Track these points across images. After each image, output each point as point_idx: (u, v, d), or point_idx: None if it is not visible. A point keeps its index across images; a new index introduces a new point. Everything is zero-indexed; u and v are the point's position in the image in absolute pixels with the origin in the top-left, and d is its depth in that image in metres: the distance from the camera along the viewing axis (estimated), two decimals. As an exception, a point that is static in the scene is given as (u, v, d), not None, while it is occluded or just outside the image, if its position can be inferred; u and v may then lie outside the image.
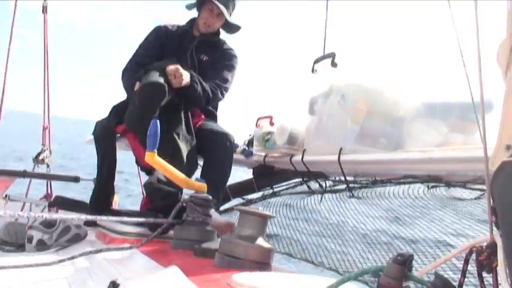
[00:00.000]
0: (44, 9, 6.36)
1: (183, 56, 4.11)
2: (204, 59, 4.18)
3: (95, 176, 4.21)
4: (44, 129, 6.09)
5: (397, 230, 3.72)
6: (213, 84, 4.04)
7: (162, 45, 4.19)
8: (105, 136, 3.98)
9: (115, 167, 4.09)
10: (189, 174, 3.67)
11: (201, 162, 3.98)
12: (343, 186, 3.95)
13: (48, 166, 5.61)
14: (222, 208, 4.75)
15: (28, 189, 5.75)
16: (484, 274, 1.45)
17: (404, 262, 1.54)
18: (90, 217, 3.30)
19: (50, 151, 5.77)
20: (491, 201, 1.36)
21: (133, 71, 3.99)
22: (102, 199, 4.04)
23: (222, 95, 4.12)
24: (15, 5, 5.71)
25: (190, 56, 4.14)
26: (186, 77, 3.73)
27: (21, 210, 4.63)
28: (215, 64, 4.19)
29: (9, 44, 5.73)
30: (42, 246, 3.40)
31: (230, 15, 4.13)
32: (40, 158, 5.56)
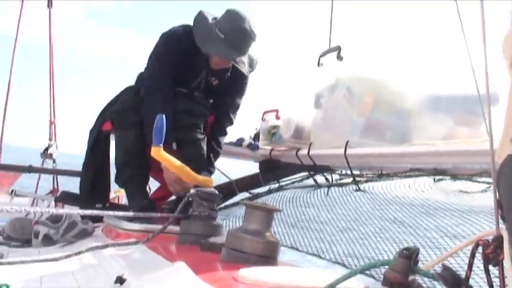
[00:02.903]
0: (50, 3, 6.38)
1: (193, 79, 4.04)
2: (214, 82, 4.08)
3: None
4: (51, 123, 6.11)
5: (403, 224, 3.71)
6: (225, 117, 4.13)
7: (174, 62, 3.98)
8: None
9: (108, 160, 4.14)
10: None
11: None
12: (350, 180, 3.94)
13: (54, 161, 5.63)
14: (228, 202, 4.76)
15: (38, 184, 5.77)
16: (490, 267, 1.45)
17: (410, 256, 1.54)
18: (96, 212, 3.31)
19: (57, 146, 5.79)
20: (497, 194, 1.35)
21: (169, 99, 3.90)
22: (94, 192, 4.08)
23: (232, 123, 4.22)
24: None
25: (199, 81, 4.05)
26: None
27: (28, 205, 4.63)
28: (225, 87, 4.11)
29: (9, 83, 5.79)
30: (48, 241, 3.41)
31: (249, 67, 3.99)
32: (48, 152, 5.58)
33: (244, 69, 3.85)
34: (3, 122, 6.18)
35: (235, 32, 3.73)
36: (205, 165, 3.87)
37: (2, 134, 6.15)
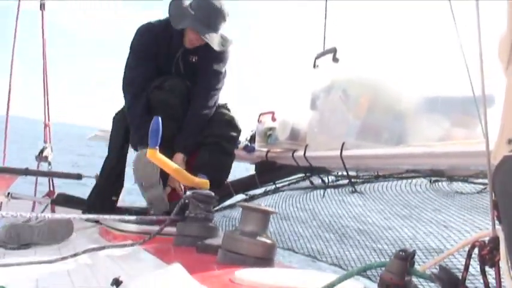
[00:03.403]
0: (42, 6, 6.38)
1: (170, 62, 4.06)
2: (194, 60, 4.07)
3: (98, 172, 4.23)
4: (45, 126, 6.10)
5: (399, 225, 3.72)
6: (203, 99, 4.04)
7: (150, 54, 4.04)
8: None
9: (124, 166, 4.13)
10: None
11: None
12: (346, 181, 3.95)
13: (49, 164, 5.62)
14: (224, 204, 4.76)
15: (36, 187, 5.76)
16: (487, 268, 1.45)
17: (406, 257, 1.54)
18: (91, 216, 3.31)
19: (52, 148, 5.78)
20: (493, 195, 1.36)
21: (140, 92, 3.96)
22: (102, 197, 4.06)
23: (214, 104, 4.12)
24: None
25: (176, 63, 4.06)
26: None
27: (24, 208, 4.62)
28: (205, 65, 4.09)
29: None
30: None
31: (220, 37, 3.94)
32: (43, 155, 5.56)
33: (215, 45, 3.84)
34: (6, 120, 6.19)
35: (205, 8, 3.79)
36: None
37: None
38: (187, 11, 3.80)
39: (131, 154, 4.03)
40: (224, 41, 3.95)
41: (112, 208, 3.98)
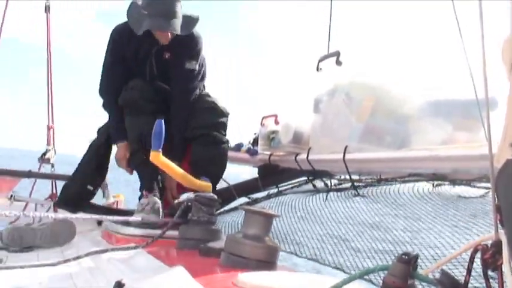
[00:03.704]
0: (47, 9, 6.40)
1: (143, 63, 4.06)
2: (167, 56, 4.05)
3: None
4: (49, 128, 6.11)
5: (402, 229, 3.71)
6: (180, 103, 4.08)
7: (123, 56, 4.06)
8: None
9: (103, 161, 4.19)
10: None
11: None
12: (348, 185, 3.94)
13: (52, 166, 5.62)
14: (227, 207, 4.76)
15: (32, 189, 5.76)
16: (489, 272, 1.45)
17: (409, 261, 1.54)
18: (95, 216, 3.31)
19: (55, 150, 5.79)
20: (496, 199, 1.35)
21: (111, 95, 4.08)
22: (77, 184, 4.12)
23: (194, 91, 4.14)
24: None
25: (150, 64, 4.06)
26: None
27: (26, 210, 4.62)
28: (177, 63, 4.07)
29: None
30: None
31: (181, 21, 3.88)
32: (46, 157, 5.57)
33: (182, 31, 3.84)
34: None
35: (153, 1, 3.77)
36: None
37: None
38: (141, 13, 3.78)
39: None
40: (187, 21, 3.91)
41: (87, 197, 4.13)
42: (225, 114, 4.16)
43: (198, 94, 4.15)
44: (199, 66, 4.10)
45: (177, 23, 3.77)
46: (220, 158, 4.07)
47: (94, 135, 4.26)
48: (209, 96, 4.19)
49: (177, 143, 3.99)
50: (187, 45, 4.03)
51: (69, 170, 4.45)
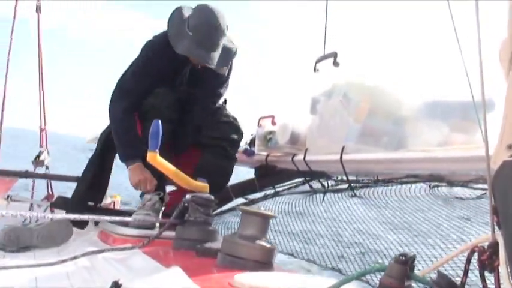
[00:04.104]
0: (38, 9, 6.40)
1: (176, 71, 3.96)
2: (200, 67, 3.93)
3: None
4: (41, 130, 6.10)
5: (399, 230, 3.72)
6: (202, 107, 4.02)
7: (154, 71, 3.91)
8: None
9: (105, 173, 4.13)
10: None
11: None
12: (345, 186, 3.95)
13: (47, 168, 5.62)
14: (224, 208, 4.76)
15: (33, 190, 5.75)
16: (486, 273, 1.45)
17: (406, 262, 1.54)
18: (93, 217, 3.30)
19: (48, 152, 5.78)
20: (493, 200, 1.36)
21: (132, 106, 3.88)
22: (79, 201, 4.06)
23: (220, 96, 4.11)
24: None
25: (183, 74, 3.97)
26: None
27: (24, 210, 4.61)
28: (207, 81, 3.99)
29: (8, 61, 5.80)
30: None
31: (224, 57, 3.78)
32: (40, 159, 5.56)
33: (218, 65, 3.76)
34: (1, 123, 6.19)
35: (203, 28, 3.64)
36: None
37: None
38: (185, 31, 3.68)
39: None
40: (226, 53, 3.80)
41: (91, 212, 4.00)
42: (241, 133, 4.16)
43: (221, 103, 4.13)
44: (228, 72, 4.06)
45: (216, 56, 3.69)
46: (227, 172, 4.05)
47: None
48: (229, 112, 4.18)
49: (186, 138, 3.98)
50: (218, 82, 4.02)
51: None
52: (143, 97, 3.87)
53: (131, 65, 3.97)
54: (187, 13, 3.76)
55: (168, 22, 3.82)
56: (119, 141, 3.86)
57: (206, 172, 3.67)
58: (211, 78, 3.95)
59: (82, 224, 3.84)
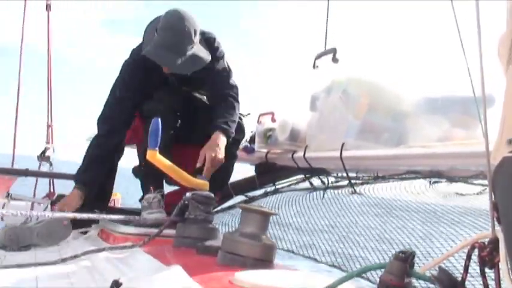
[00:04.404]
0: (48, 7, 6.40)
1: (162, 81, 3.92)
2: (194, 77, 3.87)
3: None
4: (48, 127, 6.10)
5: (399, 226, 3.71)
6: (227, 93, 3.90)
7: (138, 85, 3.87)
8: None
9: (116, 165, 4.11)
10: None
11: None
12: (345, 182, 3.94)
13: (51, 164, 5.62)
14: (224, 205, 4.76)
15: (35, 188, 5.74)
16: (486, 270, 1.45)
17: (406, 259, 1.54)
18: (92, 216, 3.30)
19: (54, 149, 5.78)
20: (493, 196, 1.35)
21: (114, 129, 3.87)
22: (99, 196, 4.05)
23: (234, 86, 3.97)
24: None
25: (170, 81, 3.93)
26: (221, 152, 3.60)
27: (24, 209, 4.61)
28: (211, 77, 3.93)
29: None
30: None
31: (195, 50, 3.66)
32: (45, 155, 5.57)
33: (174, 69, 3.72)
34: (15, 131, 6.23)
35: (165, 31, 3.58)
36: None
37: (14, 142, 6.22)
38: (154, 34, 3.64)
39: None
40: (208, 43, 3.79)
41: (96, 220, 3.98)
42: (243, 132, 4.13)
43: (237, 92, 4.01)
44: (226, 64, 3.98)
45: (178, 61, 3.58)
46: (229, 170, 4.03)
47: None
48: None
49: (220, 115, 3.81)
50: (220, 67, 3.93)
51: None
52: (129, 115, 3.88)
53: (113, 85, 3.95)
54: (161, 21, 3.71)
55: (145, 29, 3.83)
56: (82, 160, 3.89)
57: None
58: (215, 73, 3.90)
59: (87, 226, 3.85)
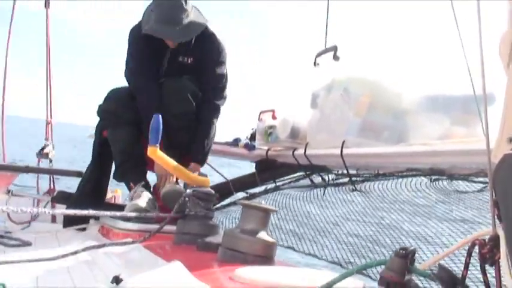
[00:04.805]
0: (47, 3, 6.38)
1: (158, 64, 3.97)
2: (188, 61, 3.95)
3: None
4: (47, 123, 6.09)
5: (399, 223, 3.71)
6: (210, 92, 3.94)
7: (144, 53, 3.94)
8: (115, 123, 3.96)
9: (110, 164, 4.13)
10: None
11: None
12: (346, 180, 3.94)
13: (50, 161, 5.61)
14: (225, 202, 4.76)
15: (37, 184, 5.73)
16: (487, 267, 1.45)
17: (406, 255, 1.54)
18: (93, 212, 3.30)
19: (53, 145, 5.77)
20: (494, 194, 1.35)
21: (147, 88, 3.89)
22: (95, 193, 4.05)
23: (224, 98, 4.04)
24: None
25: (169, 62, 3.96)
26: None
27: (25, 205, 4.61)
28: (204, 67, 3.96)
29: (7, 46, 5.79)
30: None
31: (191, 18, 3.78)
32: (44, 152, 5.56)
33: (183, 38, 3.80)
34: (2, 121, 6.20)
35: (161, 6, 3.72)
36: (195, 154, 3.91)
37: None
38: (150, 13, 3.76)
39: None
40: (192, 28, 3.80)
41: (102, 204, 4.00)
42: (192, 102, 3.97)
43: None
44: (226, 73, 4.04)
45: (176, 30, 3.70)
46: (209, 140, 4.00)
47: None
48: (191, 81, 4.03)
49: (198, 146, 3.93)
50: (212, 51, 3.96)
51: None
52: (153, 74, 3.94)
53: (129, 54, 4.04)
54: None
55: (144, 10, 3.90)
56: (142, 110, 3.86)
57: (190, 151, 3.73)
58: (213, 77, 3.94)
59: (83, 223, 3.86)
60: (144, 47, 3.90)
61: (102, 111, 3.92)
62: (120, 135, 3.81)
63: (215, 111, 4.01)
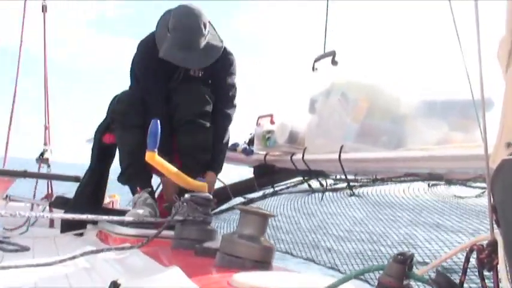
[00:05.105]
0: (44, 9, 6.40)
1: (172, 79, 4.00)
2: (199, 74, 4.01)
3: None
4: (46, 128, 6.10)
5: (397, 229, 3.71)
6: (223, 103, 4.03)
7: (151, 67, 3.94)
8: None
9: (108, 171, 4.14)
10: None
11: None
12: (344, 185, 3.94)
13: (49, 166, 5.62)
14: (223, 207, 4.76)
15: (35, 189, 5.73)
16: (485, 272, 1.45)
17: (404, 261, 1.54)
18: (91, 217, 3.30)
19: (51, 150, 5.78)
20: (492, 199, 1.35)
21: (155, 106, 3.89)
22: (93, 198, 4.06)
23: (234, 106, 4.12)
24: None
25: (177, 79, 4.00)
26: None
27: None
28: (216, 79, 4.04)
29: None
30: None
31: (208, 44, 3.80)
32: (44, 157, 5.57)
33: (198, 65, 3.86)
34: (8, 132, 6.22)
35: (178, 30, 3.69)
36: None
37: (7, 144, 6.21)
38: (166, 33, 3.74)
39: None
40: (210, 52, 3.82)
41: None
42: (209, 103, 4.05)
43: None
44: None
45: (195, 56, 3.72)
46: (207, 144, 4.00)
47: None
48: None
49: (217, 154, 4.05)
50: (223, 64, 3.99)
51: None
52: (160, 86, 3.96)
53: (130, 70, 4.06)
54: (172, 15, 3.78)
55: (157, 24, 3.88)
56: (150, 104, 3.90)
57: (188, 152, 3.78)
58: (225, 88, 4.04)
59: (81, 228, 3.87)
60: (157, 66, 3.88)
61: (113, 112, 3.92)
62: (129, 137, 3.81)
63: (227, 120, 4.08)
